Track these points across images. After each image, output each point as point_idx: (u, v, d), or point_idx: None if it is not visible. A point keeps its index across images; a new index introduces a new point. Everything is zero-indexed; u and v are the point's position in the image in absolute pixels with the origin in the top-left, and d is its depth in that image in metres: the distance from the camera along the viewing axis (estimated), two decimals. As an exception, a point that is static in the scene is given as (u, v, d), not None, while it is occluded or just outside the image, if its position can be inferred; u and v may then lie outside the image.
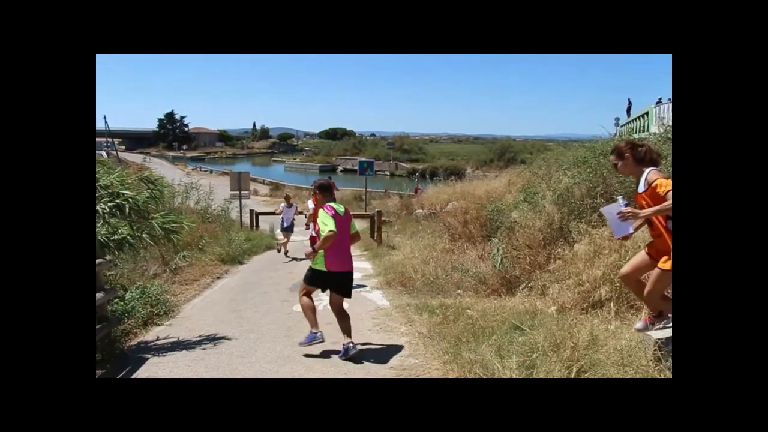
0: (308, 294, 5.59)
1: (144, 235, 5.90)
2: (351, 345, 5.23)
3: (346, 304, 5.65)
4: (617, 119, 30.03)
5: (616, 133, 23.19)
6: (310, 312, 5.50)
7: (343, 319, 5.45)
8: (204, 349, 5.65)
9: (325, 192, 5.53)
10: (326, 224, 5.13)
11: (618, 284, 5.21)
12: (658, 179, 3.48)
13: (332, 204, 5.41)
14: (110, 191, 5.24)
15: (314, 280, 5.48)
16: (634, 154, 3.68)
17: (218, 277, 10.42)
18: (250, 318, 7.13)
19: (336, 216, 5.24)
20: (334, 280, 5.42)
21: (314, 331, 5.42)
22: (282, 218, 13.57)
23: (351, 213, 5.78)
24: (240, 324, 6.76)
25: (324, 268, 5.31)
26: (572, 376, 3.71)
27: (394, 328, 6.37)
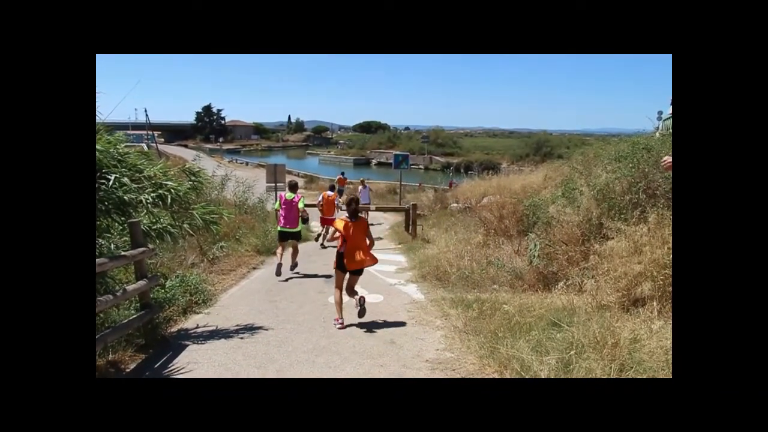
0: (282, 247, 9.87)
1: (185, 225, 6.03)
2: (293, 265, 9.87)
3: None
4: (660, 113, 29.12)
5: (659, 127, 22.51)
6: (279, 253, 9.78)
7: (293, 256, 9.96)
8: (242, 338, 5.75)
9: (291, 189, 9.96)
10: (274, 204, 10.82)
11: (661, 282, 5.09)
12: None
13: (284, 193, 9.84)
14: (153, 182, 5.35)
15: (278, 235, 9.98)
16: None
17: (254, 268, 10.58)
18: (286, 308, 7.22)
19: (284, 200, 9.70)
20: (284, 233, 9.78)
21: (278, 262, 9.58)
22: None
23: (301, 196, 9.93)
24: (276, 314, 6.86)
25: (278, 228, 9.95)
26: (613, 374, 3.65)
27: (430, 322, 6.36)
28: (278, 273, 9.38)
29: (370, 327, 6.20)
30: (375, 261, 6.53)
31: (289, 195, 9.72)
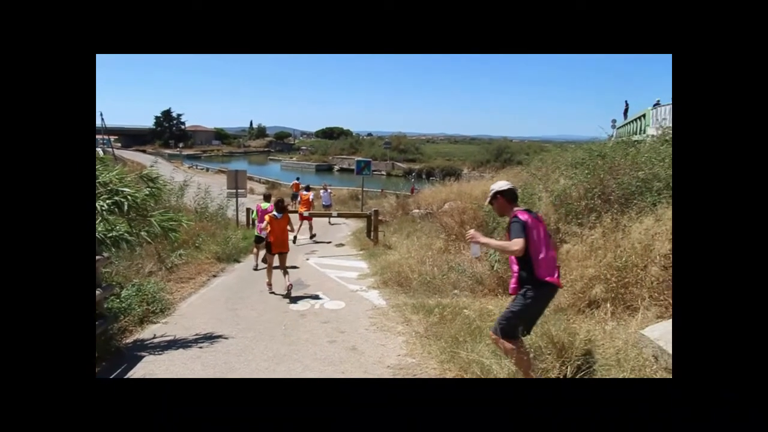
0: (257, 248, 11.21)
1: (142, 233, 5.90)
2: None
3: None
4: (614, 121, 30.05)
5: (613, 135, 23.24)
6: (255, 253, 11.33)
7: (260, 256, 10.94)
8: (201, 347, 5.64)
9: (266, 199, 11.79)
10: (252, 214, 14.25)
11: (614, 284, 5.24)
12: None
13: (261, 203, 11.63)
14: (109, 188, 5.22)
15: (255, 239, 11.38)
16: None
17: (214, 276, 10.40)
18: (247, 316, 7.13)
19: (260, 209, 11.48)
20: (258, 237, 10.99)
21: (255, 263, 11.30)
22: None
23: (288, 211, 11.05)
24: (237, 322, 6.77)
25: (255, 233, 11.44)
26: (569, 375, 3.73)
27: (391, 327, 6.38)
28: (255, 268, 11.24)
29: (332, 334, 6.18)
30: (287, 249, 8.96)
31: (264, 205, 11.53)
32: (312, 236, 16.92)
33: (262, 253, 11.30)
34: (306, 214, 16.80)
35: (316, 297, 8.34)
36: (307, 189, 18.76)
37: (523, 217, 3.92)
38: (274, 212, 8.71)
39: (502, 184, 4.19)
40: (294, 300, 8.09)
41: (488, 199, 4.24)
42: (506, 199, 4.11)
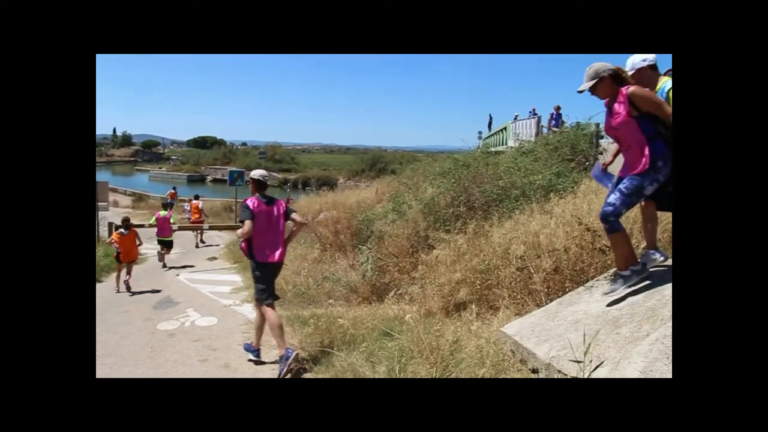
0: (165, 251, 14.03)
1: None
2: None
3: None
4: (480, 132, 31.99)
5: (479, 146, 24.69)
6: (162, 255, 13.92)
7: (165, 255, 13.91)
8: (51, 378, 5.13)
9: (164, 207, 14.38)
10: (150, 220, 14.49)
11: (478, 286, 5.54)
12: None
13: (160, 212, 13.91)
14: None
15: (160, 243, 13.93)
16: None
17: (70, 297, 9.58)
18: (107, 341, 6.60)
19: (159, 216, 13.59)
20: (159, 241, 13.84)
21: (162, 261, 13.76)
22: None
23: (171, 213, 14.31)
24: (96, 348, 6.25)
25: (159, 238, 13.84)
26: (436, 375, 3.88)
27: (266, 341, 6.24)
28: (164, 266, 13.59)
29: (203, 352, 5.93)
30: (136, 257, 11.06)
31: (163, 212, 13.73)
32: (201, 241, 18.92)
33: (167, 256, 13.93)
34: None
35: (186, 314, 7.96)
36: (196, 197, 19.92)
37: (249, 202, 5.21)
38: (122, 229, 10.45)
39: (255, 173, 5.55)
40: (162, 319, 7.66)
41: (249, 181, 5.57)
42: (254, 185, 5.43)
